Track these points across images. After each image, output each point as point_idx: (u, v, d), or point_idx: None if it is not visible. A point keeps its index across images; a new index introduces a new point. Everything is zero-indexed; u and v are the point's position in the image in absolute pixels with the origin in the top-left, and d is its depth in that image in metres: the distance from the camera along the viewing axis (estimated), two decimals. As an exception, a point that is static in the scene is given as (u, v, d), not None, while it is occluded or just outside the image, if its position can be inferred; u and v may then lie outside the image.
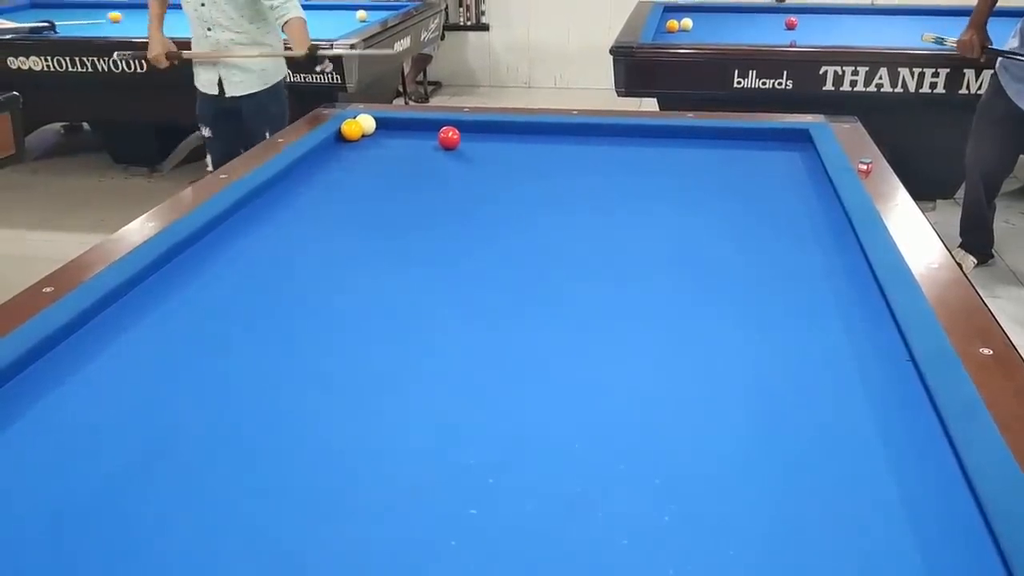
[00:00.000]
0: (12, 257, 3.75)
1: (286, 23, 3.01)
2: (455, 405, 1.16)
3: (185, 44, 3.18)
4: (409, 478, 1.00)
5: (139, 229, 1.69)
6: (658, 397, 1.18)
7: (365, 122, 2.41)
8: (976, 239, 3.52)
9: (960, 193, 3.92)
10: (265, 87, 3.16)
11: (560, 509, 0.95)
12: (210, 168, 3.23)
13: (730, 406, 1.15)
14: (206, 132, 3.28)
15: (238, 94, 3.14)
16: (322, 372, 1.25)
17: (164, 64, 3.13)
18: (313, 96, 3.40)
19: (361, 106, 2.63)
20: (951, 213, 3.84)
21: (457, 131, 2.28)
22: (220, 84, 3.13)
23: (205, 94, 3.20)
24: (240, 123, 3.20)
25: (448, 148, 2.27)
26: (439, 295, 1.49)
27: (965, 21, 3.38)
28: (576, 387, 1.20)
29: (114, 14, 4.67)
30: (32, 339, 1.25)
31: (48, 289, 1.40)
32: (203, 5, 3.00)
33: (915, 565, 0.86)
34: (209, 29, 3.04)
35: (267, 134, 3.05)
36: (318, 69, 3.17)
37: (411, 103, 5.86)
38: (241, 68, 3.11)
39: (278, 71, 3.21)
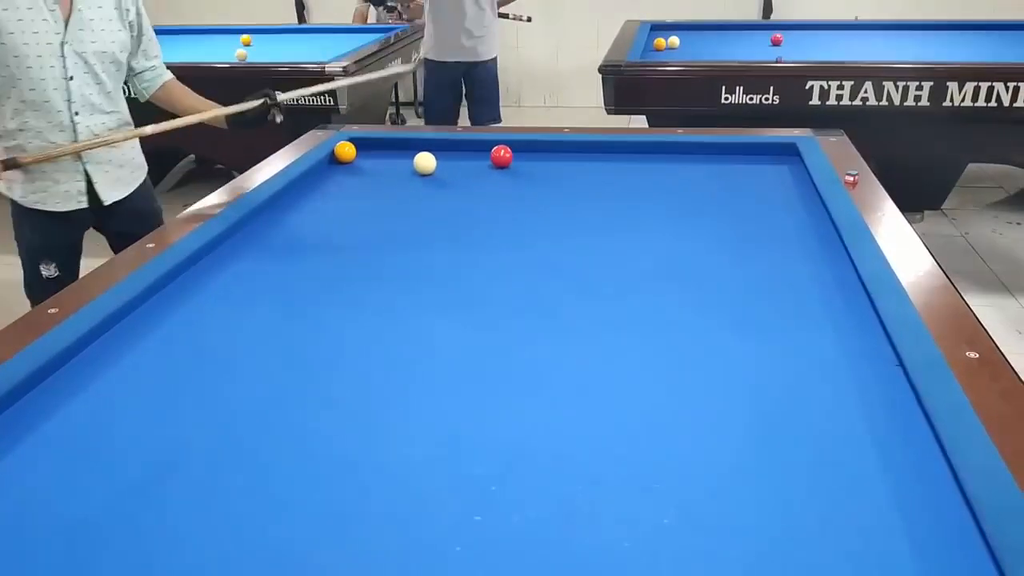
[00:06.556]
0: (12, 282, 3.75)
1: (163, 85, 2.36)
2: (458, 416, 1.18)
3: (186, 69, 2.63)
4: (414, 488, 1.03)
5: (139, 252, 1.72)
6: (656, 404, 1.20)
7: (425, 161, 2.28)
8: None
9: (948, 204, 3.97)
10: (139, 184, 2.40)
11: (562, 514, 0.97)
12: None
13: (727, 412, 1.17)
14: (51, 270, 2.29)
15: (118, 196, 2.31)
16: (326, 385, 1.28)
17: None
18: (307, 118, 3.43)
19: (355, 127, 2.66)
20: (939, 224, 3.89)
21: (509, 149, 2.32)
22: (90, 191, 2.24)
23: (63, 213, 2.23)
24: (82, 242, 2.37)
25: (501, 167, 2.31)
26: (438, 311, 1.51)
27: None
28: (575, 397, 1.23)
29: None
30: (41, 358, 1.27)
31: (53, 310, 1.43)
32: (71, 79, 2.11)
33: (908, 565, 0.88)
34: (76, 114, 2.14)
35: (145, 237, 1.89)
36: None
37: (393, 125, 5.89)
38: (115, 163, 2.29)
39: (144, 162, 2.45)
